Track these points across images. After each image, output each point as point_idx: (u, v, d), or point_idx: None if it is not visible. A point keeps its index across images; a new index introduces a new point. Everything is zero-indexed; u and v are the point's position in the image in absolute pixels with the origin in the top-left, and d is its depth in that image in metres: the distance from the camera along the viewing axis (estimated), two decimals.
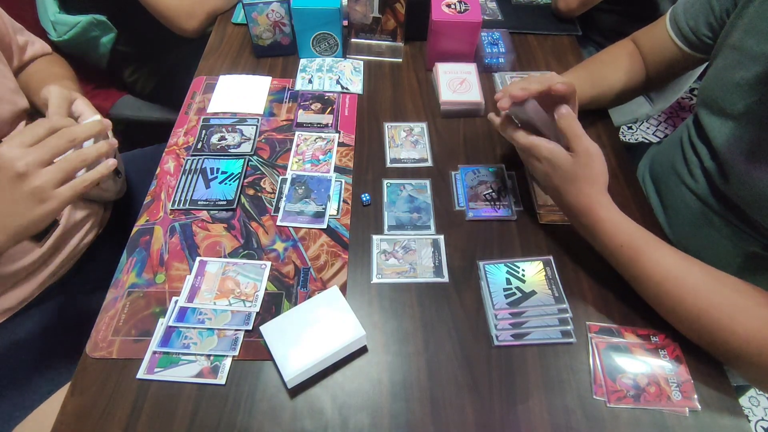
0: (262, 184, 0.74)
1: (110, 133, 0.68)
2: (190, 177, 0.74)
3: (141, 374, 0.55)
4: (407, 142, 0.80)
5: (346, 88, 0.89)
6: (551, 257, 0.66)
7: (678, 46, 0.73)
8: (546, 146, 0.59)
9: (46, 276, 0.73)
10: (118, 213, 0.85)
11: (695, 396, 0.55)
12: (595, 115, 0.85)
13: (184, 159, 0.76)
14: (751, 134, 0.60)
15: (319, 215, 0.70)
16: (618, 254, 0.57)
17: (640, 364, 0.57)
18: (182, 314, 0.59)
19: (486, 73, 0.92)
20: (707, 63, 0.72)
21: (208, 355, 0.57)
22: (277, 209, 0.71)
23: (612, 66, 0.81)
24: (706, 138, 0.67)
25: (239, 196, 0.72)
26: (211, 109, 0.84)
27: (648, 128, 2.05)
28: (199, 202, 0.71)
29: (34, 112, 0.80)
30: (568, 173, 0.58)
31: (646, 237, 0.57)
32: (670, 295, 0.54)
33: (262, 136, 0.80)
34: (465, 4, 0.85)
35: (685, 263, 0.55)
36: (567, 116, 0.59)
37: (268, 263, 0.65)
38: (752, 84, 0.59)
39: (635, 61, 0.80)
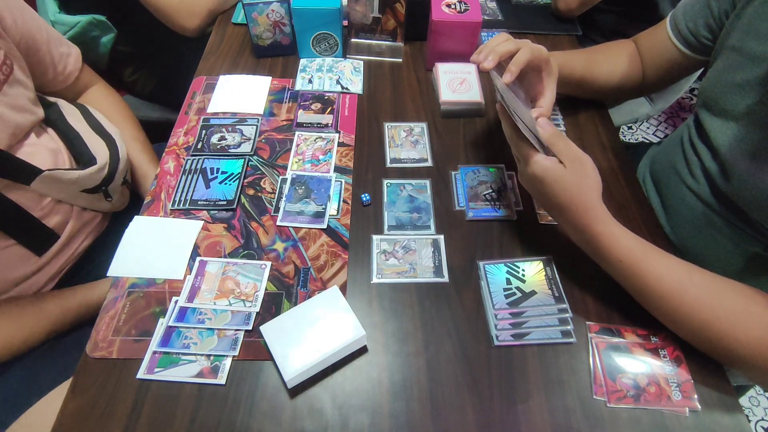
0: (262, 184, 0.74)
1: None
2: (190, 177, 0.74)
3: (141, 374, 0.55)
4: (407, 142, 0.80)
5: (346, 88, 0.88)
6: (551, 257, 0.66)
7: (678, 49, 0.74)
8: (542, 163, 0.57)
9: (45, 279, 0.73)
10: (118, 213, 0.85)
11: (695, 396, 0.55)
12: (595, 115, 0.85)
13: (184, 159, 0.76)
14: (752, 135, 0.60)
15: (319, 215, 0.70)
16: (618, 268, 0.57)
17: (640, 364, 0.57)
18: (182, 314, 0.59)
19: (486, 73, 0.92)
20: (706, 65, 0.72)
21: (208, 355, 0.57)
22: (277, 209, 0.71)
23: (609, 56, 0.81)
24: (707, 139, 0.67)
25: (239, 196, 0.72)
26: (211, 109, 0.84)
27: (648, 128, 2.05)
28: (199, 202, 0.71)
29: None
30: (562, 185, 0.56)
31: (645, 249, 0.56)
32: (672, 308, 0.54)
33: (262, 136, 0.80)
34: (465, 4, 0.85)
35: (685, 274, 0.54)
36: (547, 129, 0.58)
37: (268, 263, 0.65)
38: (753, 85, 0.59)
39: (633, 60, 0.81)
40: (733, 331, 0.51)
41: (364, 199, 0.72)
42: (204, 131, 0.80)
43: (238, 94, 0.87)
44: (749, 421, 1.30)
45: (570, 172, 0.56)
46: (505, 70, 0.61)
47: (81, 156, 0.73)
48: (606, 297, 0.63)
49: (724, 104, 0.63)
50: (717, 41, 0.67)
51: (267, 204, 0.71)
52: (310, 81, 0.90)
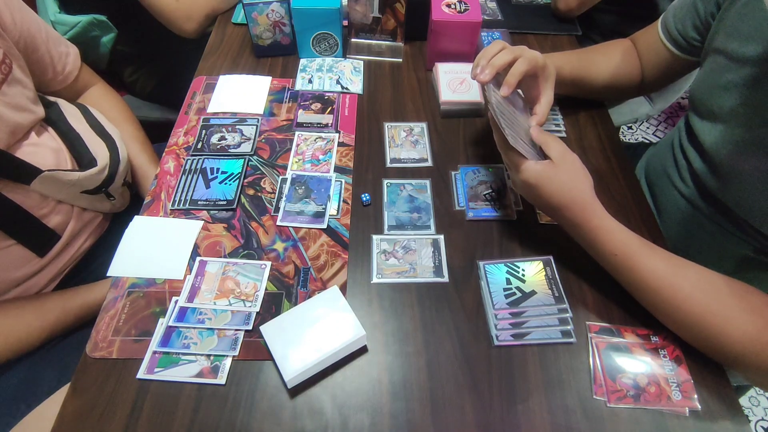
0: (262, 184, 0.74)
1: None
2: (190, 177, 0.74)
3: (141, 374, 0.55)
4: (407, 142, 0.80)
5: (346, 88, 0.88)
6: (551, 257, 0.66)
7: (669, 50, 0.74)
8: (533, 167, 0.58)
9: (46, 280, 0.73)
10: (119, 214, 0.85)
11: (695, 396, 0.55)
12: (595, 115, 0.85)
13: (184, 159, 0.76)
14: (737, 135, 0.60)
15: (319, 215, 0.70)
16: (613, 262, 0.57)
17: (640, 364, 0.57)
18: (182, 314, 0.59)
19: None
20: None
21: (208, 355, 0.57)
22: (277, 209, 0.71)
23: (603, 55, 0.82)
24: (696, 141, 0.68)
25: (239, 196, 0.72)
26: (211, 109, 0.84)
27: (648, 128, 2.05)
28: (199, 202, 0.71)
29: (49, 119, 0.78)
30: (556, 185, 0.57)
31: (640, 244, 0.56)
32: (666, 302, 0.55)
33: (262, 136, 0.80)
34: (465, 4, 0.85)
35: (679, 269, 0.55)
36: (538, 133, 0.61)
37: (268, 263, 0.65)
38: (737, 86, 0.60)
39: (628, 57, 0.80)
40: (727, 326, 0.51)
41: (364, 199, 0.72)
42: (204, 131, 0.80)
43: (238, 94, 0.87)
44: (749, 421, 1.30)
45: (562, 170, 0.57)
46: (503, 82, 0.61)
47: (81, 157, 0.73)
48: (606, 297, 0.63)
49: (711, 106, 0.64)
50: (705, 43, 0.68)
51: (267, 204, 0.71)
52: (310, 81, 0.90)
